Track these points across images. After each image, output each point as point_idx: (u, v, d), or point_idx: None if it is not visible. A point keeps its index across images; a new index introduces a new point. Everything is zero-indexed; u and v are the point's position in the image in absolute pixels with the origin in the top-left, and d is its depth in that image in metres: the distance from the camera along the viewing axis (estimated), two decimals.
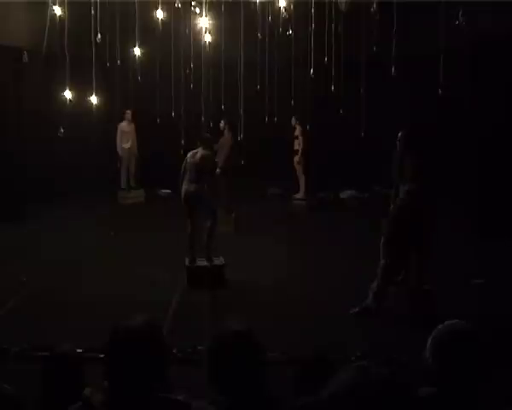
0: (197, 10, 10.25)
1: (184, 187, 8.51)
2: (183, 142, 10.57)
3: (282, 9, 9.45)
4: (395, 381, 1.38)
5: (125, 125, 14.61)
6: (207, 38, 9.77)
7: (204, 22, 9.51)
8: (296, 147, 14.06)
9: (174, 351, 5.44)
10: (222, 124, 12.67)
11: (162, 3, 9.66)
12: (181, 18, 10.56)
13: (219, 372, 2.39)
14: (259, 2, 9.69)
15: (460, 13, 7.12)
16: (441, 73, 7.34)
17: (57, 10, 9.00)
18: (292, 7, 9.69)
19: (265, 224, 11.89)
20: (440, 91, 7.30)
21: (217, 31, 10.07)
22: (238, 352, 2.38)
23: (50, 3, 8.99)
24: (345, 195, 14.47)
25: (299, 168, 14.21)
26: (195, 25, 10.17)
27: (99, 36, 8.39)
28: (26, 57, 9.86)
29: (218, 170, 10.83)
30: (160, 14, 9.68)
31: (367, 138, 10.18)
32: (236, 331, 2.45)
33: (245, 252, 9.92)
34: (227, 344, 2.40)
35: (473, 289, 7.96)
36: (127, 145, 14.58)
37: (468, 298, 7.45)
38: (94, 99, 9.74)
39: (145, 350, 2.20)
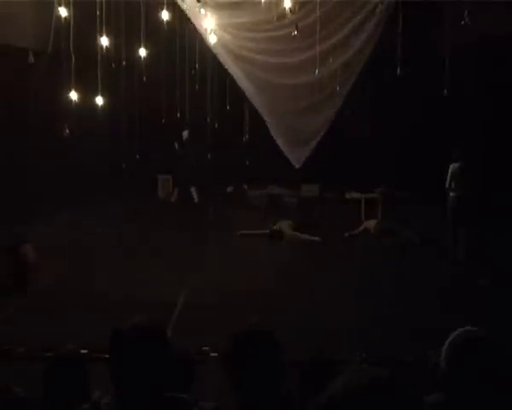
0: (202, 11, 10.25)
1: None
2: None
3: (288, 10, 9.44)
4: (395, 382, 1.37)
5: None
6: (212, 38, 9.78)
7: (209, 23, 9.51)
8: None
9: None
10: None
11: (167, 4, 9.67)
12: (186, 19, 10.57)
13: (238, 371, 2.35)
14: (264, 3, 9.68)
15: (466, 13, 7.10)
16: (447, 74, 7.34)
17: (63, 11, 9.03)
18: (297, 8, 9.67)
19: None
20: (446, 92, 7.30)
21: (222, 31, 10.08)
22: (259, 351, 2.35)
23: (56, 4, 9.02)
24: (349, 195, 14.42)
25: None
26: (200, 26, 10.17)
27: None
28: (31, 58, 9.88)
29: None
30: (165, 15, 9.69)
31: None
32: (258, 330, 2.43)
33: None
34: (248, 343, 2.38)
35: (479, 290, 7.98)
36: None
37: (476, 298, 7.47)
38: (99, 100, 9.77)
39: (148, 350, 2.20)
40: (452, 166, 9.72)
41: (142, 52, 10.34)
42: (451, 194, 9.72)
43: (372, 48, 9.35)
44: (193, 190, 14.47)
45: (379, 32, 9.06)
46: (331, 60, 9.38)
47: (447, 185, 9.77)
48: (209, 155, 13.26)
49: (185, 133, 14.41)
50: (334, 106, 9.90)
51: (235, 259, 9.76)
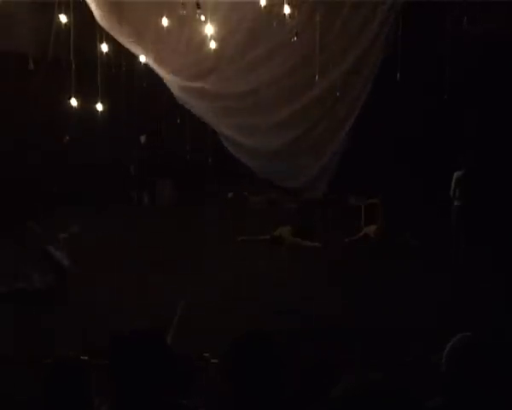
0: (202, 18, 10.25)
1: None
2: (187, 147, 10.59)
3: (287, 15, 9.44)
4: (396, 386, 1.36)
5: None
6: (212, 44, 9.78)
7: (209, 29, 9.52)
8: None
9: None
10: None
11: (167, 10, 9.67)
12: (186, 25, 10.56)
13: (238, 373, 2.34)
14: (264, 7, 9.69)
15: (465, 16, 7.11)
16: (447, 76, 7.34)
17: (62, 17, 9.03)
18: (296, 13, 9.67)
19: None
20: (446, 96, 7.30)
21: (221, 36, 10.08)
22: (259, 352, 2.34)
23: (56, 10, 9.03)
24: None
25: None
26: (200, 31, 10.18)
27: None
28: (31, 64, 9.89)
29: None
30: (164, 21, 9.69)
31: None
32: (257, 334, 2.43)
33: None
34: (248, 345, 2.37)
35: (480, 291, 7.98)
36: None
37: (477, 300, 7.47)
38: (99, 106, 9.77)
39: (148, 356, 2.19)
40: (457, 174, 9.57)
41: (142, 58, 10.34)
42: (456, 202, 9.57)
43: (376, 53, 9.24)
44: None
45: (383, 33, 8.90)
46: (331, 66, 9.28)
47: (451, 193, 9.61)
48: (210, 160, 13.26)
49: (142, 138, 15.09)
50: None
51: (236, 264, 9.75)
